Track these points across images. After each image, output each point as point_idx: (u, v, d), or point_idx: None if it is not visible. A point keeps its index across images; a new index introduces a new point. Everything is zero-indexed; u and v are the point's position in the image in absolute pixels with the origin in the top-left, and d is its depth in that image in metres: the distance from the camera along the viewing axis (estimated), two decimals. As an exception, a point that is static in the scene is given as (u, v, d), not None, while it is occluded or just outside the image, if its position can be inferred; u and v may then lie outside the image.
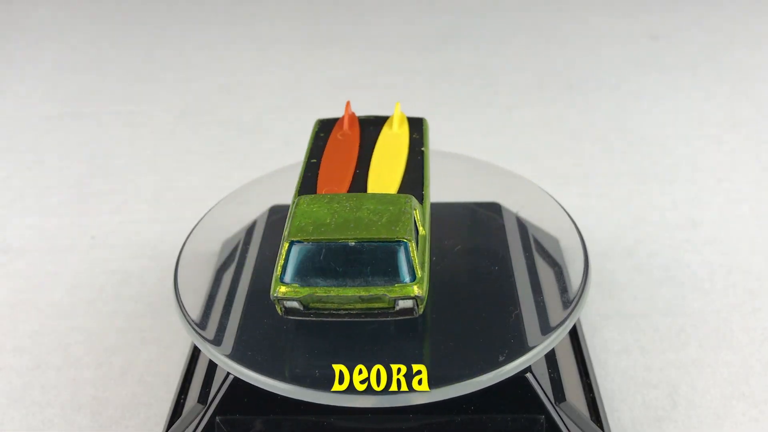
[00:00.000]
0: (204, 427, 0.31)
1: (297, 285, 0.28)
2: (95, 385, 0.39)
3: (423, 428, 0.30)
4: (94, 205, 0.55)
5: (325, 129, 0.36)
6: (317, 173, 0.33)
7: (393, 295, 0.27)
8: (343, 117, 0.36)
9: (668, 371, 0.39)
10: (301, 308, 0.28)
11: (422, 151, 0.34)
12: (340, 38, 0.83)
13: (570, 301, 0.33)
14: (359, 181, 0.32)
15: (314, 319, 0.28)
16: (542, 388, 0.31)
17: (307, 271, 0.28)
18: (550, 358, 0.34)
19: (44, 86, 0.74)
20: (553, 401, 0.31)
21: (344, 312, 0.28)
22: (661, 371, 0.39)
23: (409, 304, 0.28)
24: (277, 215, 0.40)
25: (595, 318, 0.42)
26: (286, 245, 0.28)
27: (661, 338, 0.41)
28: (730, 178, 0.55)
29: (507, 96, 0.69)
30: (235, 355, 0.30)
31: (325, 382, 0.28)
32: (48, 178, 0.58)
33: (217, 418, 0.31)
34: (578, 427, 0.32)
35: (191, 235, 0.38)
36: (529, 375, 0.30)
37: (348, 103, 0.37)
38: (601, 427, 0.34)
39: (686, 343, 0.40)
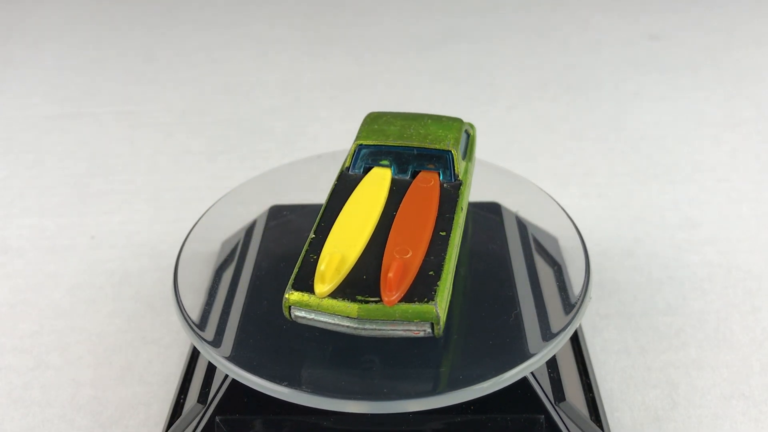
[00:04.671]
0: (204, 427, 0.31)
1: None
2: (95, 385, 0.39)
3: (423, 429, 0.30)
4: (94, 205, 0.55)
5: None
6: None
7: None
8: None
9: (668, 371, 0.39)
10: None
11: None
12: (340, 38, 0.83)
13: (571, 305, 0.33)
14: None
15: None
16: (542, 388, 0.31)
17: None
18: (550, 358, 0.34)
19: (44, 86, 0.74)
20: (552, 401, 0.31)
21: None
22: (661, 371, 0.39)
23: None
24: (276, 215, 0.40)
25: (595, 318, 0.42)
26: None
27: (660, 338, 0.41)
28: (730, 178, 0.55)
29: (507, 96, 0.69)
30: (234, 357, 0.30)
31: (321, 387, 0.28)
32: (48, 178, 0.58)
33: (217, 418, 0.31)
34: (578, 426, 0.32)
35: (191, 235, 0.38)
36: (528, 375, 0.30)
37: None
38: (600, 427, 0.34)
39: (686, 343, 0.40)
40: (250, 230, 0.40)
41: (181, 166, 0.59)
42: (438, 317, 0.26)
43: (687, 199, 0.53)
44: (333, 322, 0.27)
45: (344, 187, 0.33)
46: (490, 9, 0.89)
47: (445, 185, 0.33)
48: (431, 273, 0.28)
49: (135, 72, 0.77)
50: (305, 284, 0.27)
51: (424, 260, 0.28)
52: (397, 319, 0.27)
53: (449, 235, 0.30)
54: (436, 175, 0.33)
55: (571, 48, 0.78)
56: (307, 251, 0.29)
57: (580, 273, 0.34)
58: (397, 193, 0.32)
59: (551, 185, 0.53)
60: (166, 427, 0.35)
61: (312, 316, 0.27)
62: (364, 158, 0.34)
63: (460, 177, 0.33)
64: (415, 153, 0.33)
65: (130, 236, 0.51)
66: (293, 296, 0.27)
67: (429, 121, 0.35)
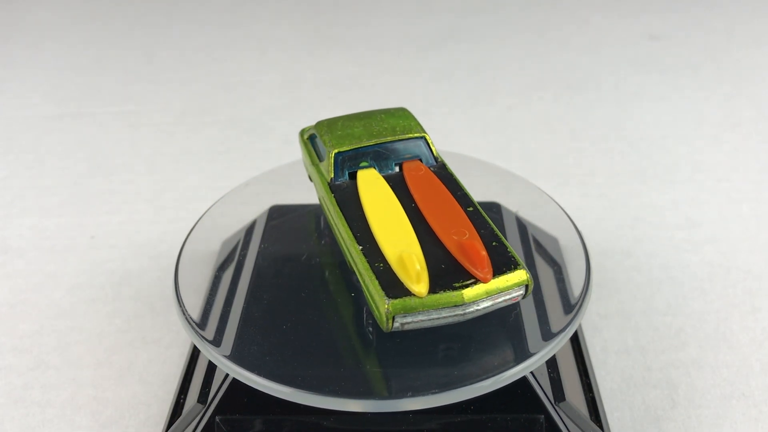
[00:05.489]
0: (204, 427, 0.31)
1: None
2: (95, 385, 0.39)
3: (423, 429, 0.30)
4: (94, 205, 0.55)
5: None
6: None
7: None
8: None
9: (668, 371, 0.39)
10: None
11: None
12: (340, 38, 0.83)
13: (571, 305, 0.33)
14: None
15: None
16: (542, 388, 0.31)
17: None
18: (550, 358, 0.34)
19: (44, 86, 0.74)
20: (552, 401, 0.31)
21: None
22: (661, 371, 0.39)
23: None
24: (276, 215, 0.40)
25: (595, 318, 0.42)
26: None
27: (660, 338, 0.41)
28: (729, 178, 0.55)
29: (507, 96, 0.69)
30: (235, 356, 0.30)
31: (321, 385, 0.28)
32: (48, 178, 0.58)
33: (217, 418, 0.31)
34: (578, 426, 0.32)
35: (191, 235, 0.38)
36: (528, 375, 0.30)
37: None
38: (600, 427, 0.34)
39: (686, 343, 0.40)
40: (250, 230, 0.40)
41: (181, 166, 0.59)
42: (531, 278, 0.28)
43: (687, 199, 0.53)
44: (440, 316, 0.27)
45: (345, 196, 0.32)
46: (490, 9, 0.89)
47: (432, 169, 0.33)
48: (494, 243, 0.29)
49: (135, 72, 0.77)
50: (398, 290, 0.27)
51: (479, 235, 0.29)
52: (499, 292, 0.27)
53: (477, 209, 0.31)
54: (419, 162, 0.34)
55: (571, 48, 0.78)
56: (369, 262, 0.28)
57: (580, 273, 0.34)
58: (399, 188, 0.32)
59: (551, 185, 0.53)
60: (166, 427, 0.35)
61: (418, 317, 0.27)
62: (344, 165, 0.33)
63: (439, 159, 0.34)
64: (393, 147, 0.34)
65: (130, 236, 0.51)
66: (396, 305, 0.27)
67: (382, 115, 0.35)
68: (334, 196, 0.32)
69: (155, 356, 0.41)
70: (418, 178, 0.33)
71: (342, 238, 0.31)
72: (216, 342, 0.31)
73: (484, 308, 0.28)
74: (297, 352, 0.30)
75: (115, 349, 0.41)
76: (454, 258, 0.28)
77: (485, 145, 0.61)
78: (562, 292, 0.34)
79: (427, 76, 0.73)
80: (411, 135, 0.34)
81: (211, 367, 0.35)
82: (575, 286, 0.34)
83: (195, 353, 0.39)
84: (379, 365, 0.29)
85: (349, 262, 0.31)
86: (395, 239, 0.29)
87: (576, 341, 0.39)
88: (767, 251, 0.47)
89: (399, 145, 0.34)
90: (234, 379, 0.31)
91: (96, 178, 0.58)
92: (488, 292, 0.27)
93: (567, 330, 0.30)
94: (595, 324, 0.42)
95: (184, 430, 0.33)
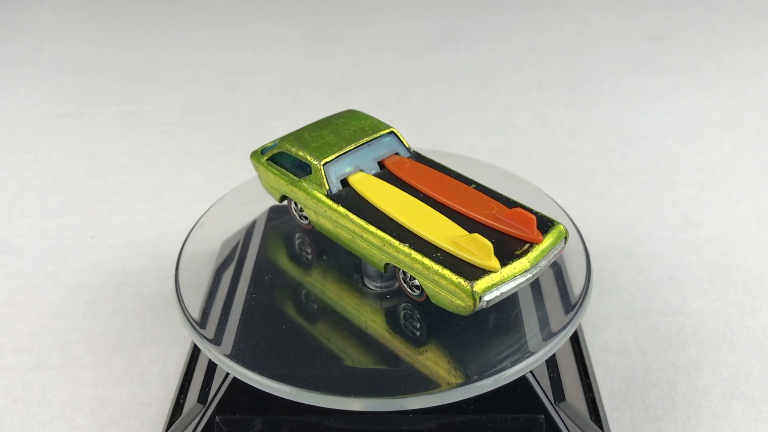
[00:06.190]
0: (204, 427, 0.31)
1: None
2: (95, 385, 0.39)
3: (423, 428, 0.30)
4: (94, 205, 0.55)
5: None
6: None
7: None
8: None
9: (668, 371, 0.39)
10: None
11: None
12: (340, 38, 0.83)
13: (571, 305, 0.33)
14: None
15: None
16: (542, 388, 0.31)
17: None
18: (550, 358, 0.34)
19: (44, 86, 0.74)
20: (552, 401, 0.31)
21: None
22: (661, 371, 0.39)
23: None
24: (276, 215, 0.40)
25: (595, 318, 0.42)
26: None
27: (660, 338, 0.41)
28: (729, 178, 0.55)
29: (507, 96, 0.69)
30: (235, 355, 0.30)
31: (321, 384, 0.28)
32: (48, 178, 0.58)
33: (217, 418, 0.31)
34: (578, 426, 0.32)
35: (191, 235, 0.38)
36: (528, 375, 0.30)
37: None
38: (600, 427, 0.34)
39: (686, 343, 0.40)
40: (250, 230, 0.40)
41: (181, 166, 0.59)
42: (567, 230, 0.30)
43: (687, 199, 0.53)
44: (516, 284, 0.29)
45: (352, 203, 0.32)
46: (490, 9, 0.89)
47: (414, 159, 0.35)
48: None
49: (135, 72, 0.77)
50: (473, 272, 0.28)
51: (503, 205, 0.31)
52: (551, 249, 0.30)
53: (479, 184, 0.33)
54: (399, 156, 0.35)
55: (571, 48, 0.78)
56: (427, 255, 0.29)
57: (580, 273, 0.34)
58: (397, 183, 0.33)
59: (551, 185, 0.53)
60: (166, 427, 0.35)
61: (499, 291, 0.28)
62: (333, 174, 0.33)
63: (411, 149, 0.35)
64: (369, 147, 0.34)
65: (130, 236, 0.51)
66: (480, 285, 0.28)
67: (340, 120, 0.36)
68: (343, 206, 0.32)
69: (155, 356, 0.41)
70: (407, 170, 0.33)
71: (370, 244, 0.31)
72: (216, 341, 0.31)
73: (543, 267, 0.29)
74: (297, 351, 0.30)
75: (115, 349, 0.41)
76: (497, 230, 0.30)
77: (485, 145, 0.61)
78: (562, 292, 0.34)
79: (427, 76, 0.73)
80: (382, 132, 0.35)
81: (211, 367, 0.35)
82: (575, 286, 0.34)
83: (195, 353, 0.39)
84: (379, 364, 0.29)
85: (386, 264, 0.31)
86: (435, 228, 0.30)
87: (576, 341, 0.39)
88: (767, 251, 0.47)
89: (374, 144, 0.34)
90: (234, 378, 0.31)
91: (96, 178, 0.58)
92: (543, 252, 0.29)
93: (567, 330, 0.30)
94: (595, 324, 0.42)
95: (184, 430, 0.33)
